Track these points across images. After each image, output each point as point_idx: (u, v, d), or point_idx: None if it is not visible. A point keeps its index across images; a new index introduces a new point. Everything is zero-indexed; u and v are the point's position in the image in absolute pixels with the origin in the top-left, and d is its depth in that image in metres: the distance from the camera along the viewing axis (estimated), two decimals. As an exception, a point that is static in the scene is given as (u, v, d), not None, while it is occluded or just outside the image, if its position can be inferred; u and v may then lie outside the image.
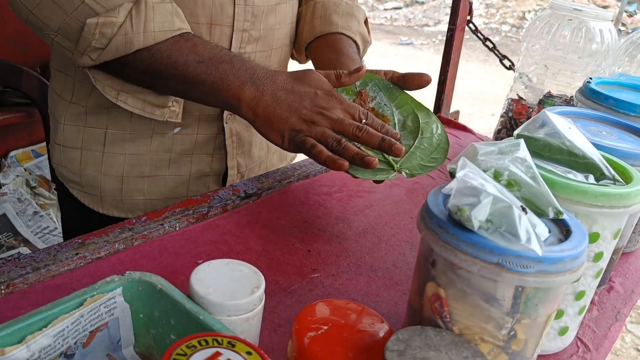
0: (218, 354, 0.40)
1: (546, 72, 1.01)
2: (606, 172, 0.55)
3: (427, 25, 9.47)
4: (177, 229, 0.74)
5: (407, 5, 11.05)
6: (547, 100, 1.02)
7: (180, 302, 0.48)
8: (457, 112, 1.32)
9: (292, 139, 0.71)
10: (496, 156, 0.51)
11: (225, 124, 0.90)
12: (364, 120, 0.73)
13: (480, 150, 0.51)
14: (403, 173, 0.73)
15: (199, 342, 0.40)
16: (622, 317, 0.71)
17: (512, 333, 0.45)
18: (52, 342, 0.45)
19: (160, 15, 0.72)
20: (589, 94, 0.80)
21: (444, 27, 9.55)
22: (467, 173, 0.44)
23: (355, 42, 0.95)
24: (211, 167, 0.92)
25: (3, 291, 0.59)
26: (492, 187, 0.43)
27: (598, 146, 0.63)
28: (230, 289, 0.49)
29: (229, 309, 0.47)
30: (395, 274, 0.71)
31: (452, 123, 1.26)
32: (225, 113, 0.89)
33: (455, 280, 0.46)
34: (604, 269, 0.59)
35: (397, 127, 0.81)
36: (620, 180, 0.55)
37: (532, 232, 0.41)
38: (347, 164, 0.67)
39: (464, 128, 1.24)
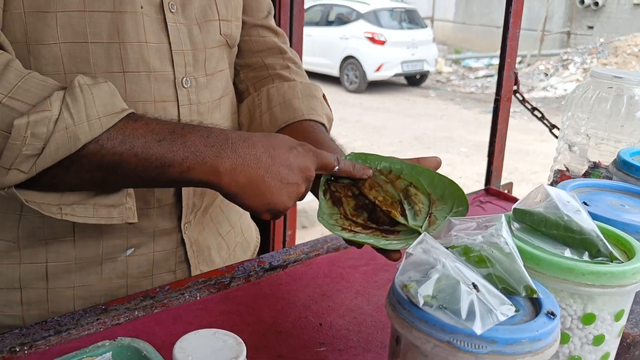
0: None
1: (589, 141, 0.97)
2: (602, 249, 0.52)
3: (518, 92, 9.30)
4: (198, 298, 0.78)
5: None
6: (594, 171, 0.98)
7: (158, 369, 0.51)
8: (509, 184, 1.28)
9: (276, 215, 0.70)
10: (472, 232, 0.50)
11: (184, 235, 0.83)
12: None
13: (456, 225, 0.51)
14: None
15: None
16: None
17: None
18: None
19: (100, 98, 0.62)
20: (621, 165, 0.76)
21: (537, 93, 9.35)
22: (419, 248, 0.44)
23: (324, 125, 0.88)
24: None
25: (26, 351, 0.64)
26: (447, 263, 0.43)
27: (607, 220, 0.60)
28: (209, 359, 0.51)
29: (203, 377, 0.49)
30: (405, 351, 0.69)
31: (502, 195, 1.23)
32: (183, 221, 0.82)
33: (417, 358, 0.45)
34: (612, 353, 0.54)
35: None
36: (618, 258, 0.52)
37: (478, 310, 0.40)
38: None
39: (515, 200, 1.20)
